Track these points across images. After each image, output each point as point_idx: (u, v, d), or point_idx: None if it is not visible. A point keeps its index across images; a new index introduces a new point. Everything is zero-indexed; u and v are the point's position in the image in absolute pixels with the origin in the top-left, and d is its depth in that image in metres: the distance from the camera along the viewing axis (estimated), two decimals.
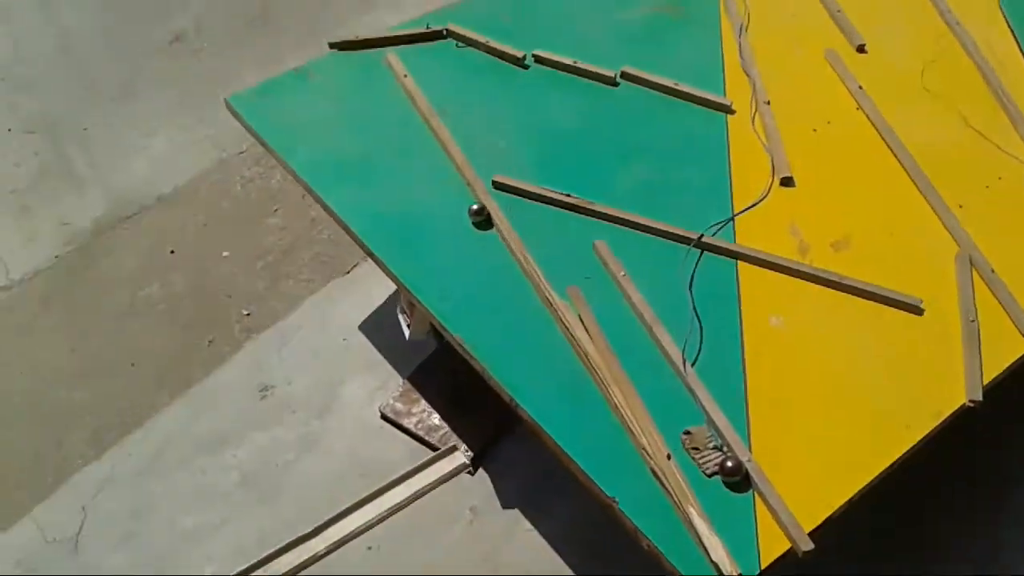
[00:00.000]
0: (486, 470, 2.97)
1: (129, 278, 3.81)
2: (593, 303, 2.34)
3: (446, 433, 3.02)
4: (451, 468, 2.92)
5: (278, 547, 2.79)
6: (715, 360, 2.24)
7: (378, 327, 3.32)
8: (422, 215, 2.57)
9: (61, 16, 5.05)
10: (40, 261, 3.89)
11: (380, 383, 3.21)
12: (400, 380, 3.17)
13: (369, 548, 2.85)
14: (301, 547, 2.78)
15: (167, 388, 3.37)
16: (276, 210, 3.99)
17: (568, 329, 2.26)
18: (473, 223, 2.51)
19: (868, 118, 2.86)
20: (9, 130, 4.46)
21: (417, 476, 2.90)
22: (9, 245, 3.95)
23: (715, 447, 2.04)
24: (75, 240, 3.98)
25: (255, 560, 2.77)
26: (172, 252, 3.89)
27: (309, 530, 2.81)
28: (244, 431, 3.17)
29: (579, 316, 2.28)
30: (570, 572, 2.73)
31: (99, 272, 3.86)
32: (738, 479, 1.98)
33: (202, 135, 4.40)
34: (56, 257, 3.90)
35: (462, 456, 2.94)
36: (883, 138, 2.80)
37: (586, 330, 2.25)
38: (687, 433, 2.07)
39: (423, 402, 3.10)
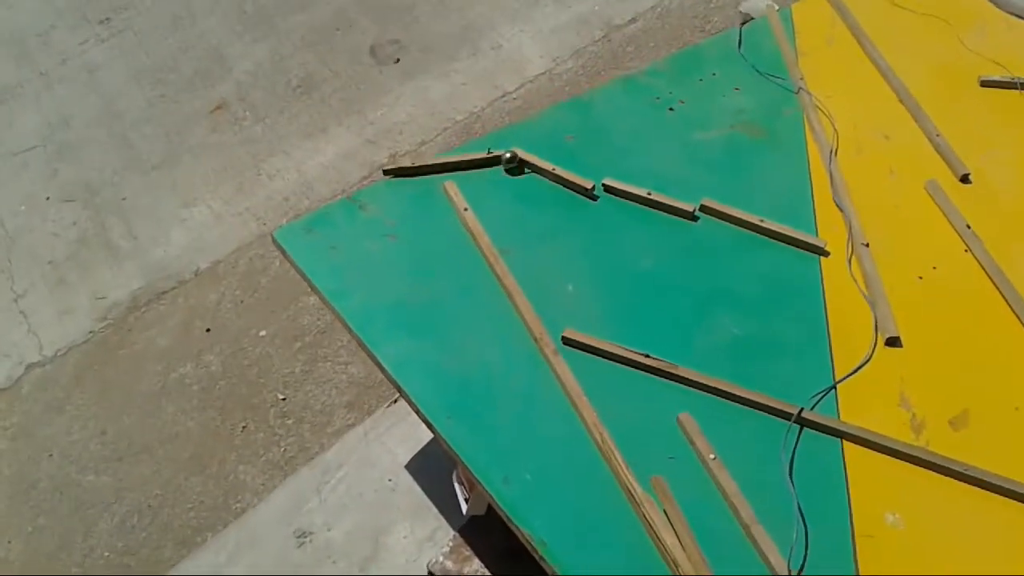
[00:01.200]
0: None
1: (163, 356, 3.74)
2: (680, 492, 2.04)
3: None
4: None
5: None
6: (825, 565, 1.93)
7: (427, 468, 3.06)
8: (484, 376, 2.30)
9: (104, 83, 5.08)
10: (74, 336, 3.84)
11: (429, 533, 2.94)
12: (451, 532, 2.89)
13: None
14: None
15: (198, 475, 3.26)
16: None
17: (653, 529, 1.96)
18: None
19: (979, 262, 2.56)
20: (48, 198, 4.44)
21: None
22: (43, 318, 3.93)
23: None
24: (110, 315, 3.93)
25: None
26: (208, 330, 3.82)
27: None
28: None
29: (665, 514, 1.99)
30: None
31: (133, 349, 3.79)
32: None
33: (242, 207, 4.39)
34: (90, 332, 3.85)
35: None
36: (997, 287, 2.50)
37: (675, 531, 1.95)
38: None
39: (476, 561, 2.81)
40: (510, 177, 2.77)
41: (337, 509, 3.04)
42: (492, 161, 2.83)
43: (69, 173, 4.58)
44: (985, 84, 3.16)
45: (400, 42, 5.36)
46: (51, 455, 3.39)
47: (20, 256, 4.18)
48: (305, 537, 2.99)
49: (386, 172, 2.78)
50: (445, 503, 2.96)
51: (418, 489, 3.04)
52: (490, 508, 2.80)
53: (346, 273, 2.52)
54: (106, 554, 3.06)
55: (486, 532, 2.86)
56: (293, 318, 3.81)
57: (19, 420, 3.55)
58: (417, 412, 2.25)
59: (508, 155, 2.64)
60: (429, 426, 2.22)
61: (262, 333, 3.78)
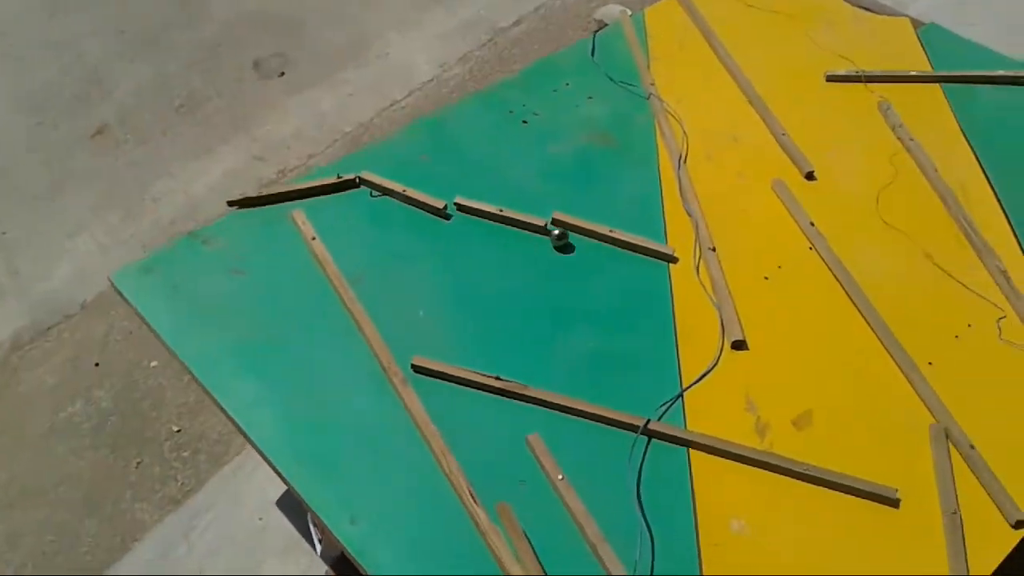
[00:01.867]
0: None
1: (51, 395, 3.63)
2: (528, 516, 2.03)
3: None
4: None
5: None
6: None
7: (297, 503, 2.99)
8: (333, 416, 2.25)
9: None
10: None
11: (302, 569, 2.89)
12: (324, 568, 2.83)
13: None
14: None
15: (93, 517, 3.16)
16: None
17: (498, 560, 1.95)
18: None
19: (823, 259, 2.61)
20: None
21: None
22: None
23: None
24: None
25: None
26: (97, 365, 3.71)
27: None
28: None
29: (510, 542, 1.98)
30: None
31: (20, 390, 3.67)
32: None
33: (128, 234, 4.27)
34: None
35: None
36: (840, 283, 2.56)
37: (519, 560, 1.94)
38: None
39: None
40: (372, 201, 2.73)
41: (207, 554, 2.95)
42: (343, 186, 2.78)
43: None
44: (831, 79, 3.24)
45: (285, 55, 5.27)
46: None
47: None
48: None
49: (231, 204, 2.71)
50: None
51: (288, 525, 2.97)
52: None
53: (188, 314, 2.44)
54: None
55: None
56: None
57: None
58: (264, 458, 2.20)
59: (557, 232, 2.60)
60: (276, 472, 2.17)
61: (153, 364, 3.69)
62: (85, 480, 3.29)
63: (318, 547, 2.61)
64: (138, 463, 3.34)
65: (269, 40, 5.30)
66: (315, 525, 2.63)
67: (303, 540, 2.92)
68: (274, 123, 4.85)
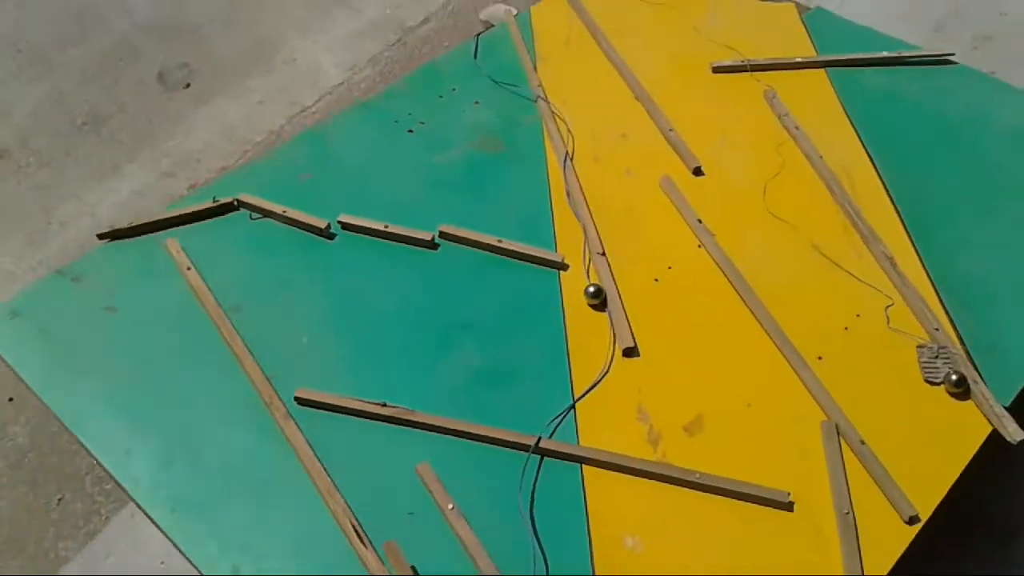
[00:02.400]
0: None
1: None
2: (418, 552, 1.97)
3: None
4: None
5: None
6: None
7: None
8: (213, 458, 2.16)
9: None
10: None
11: None
12: None
13: None
14: None
15: (17, 559, 3.02)
16: None
17: None
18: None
19: (711, 257, 2.60)
20: None
21: None
22: None
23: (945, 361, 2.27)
24: None
25: None
26: (11, 400, 3.51)
27: None
28: None
29: None
30: None
31: None
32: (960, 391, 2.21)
33: (35, 260, 4.08)
34: None
35: None
36: (729, 280, 2.54)
37: None
38: (921, 347, 2.32)
39: None
40: (251, 224, 2.63)
41: None
42: (220, 210, 2.68)
43: None
44: (717, 70, 3.23)
45: (190, 65, 5.06)
46: None
47: None
48: None
49: (101, 237, 2.59)
50: None
51: (191, 567, 2.87)
52: None
53: (58, 359, 2.33)
54: None
55: None
56: None
57: None
58: (139, 508, 2.10)
59: (592, 289, 2.45)
60: (153, 522, 2.07)
61: None
62: (5, 520, 3.13)
63: None
64: (59, 499, 3.20)
65: (171, 51, 5.10)
66: None
67: None
68: (182, 136, 4.68)
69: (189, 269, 2.49)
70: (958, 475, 2.11)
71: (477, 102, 3.07)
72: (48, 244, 4.15)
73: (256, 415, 2.21)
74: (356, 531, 1.97)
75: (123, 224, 2.60)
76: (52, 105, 4.80)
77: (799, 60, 3.24)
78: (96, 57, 5.07)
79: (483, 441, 2.17)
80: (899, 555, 1.98)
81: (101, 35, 5.20)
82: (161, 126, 4.70)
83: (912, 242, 2.62)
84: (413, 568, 1.93)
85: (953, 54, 3.27)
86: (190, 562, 2.00)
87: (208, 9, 5.31)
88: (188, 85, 4.96)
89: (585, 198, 2.73)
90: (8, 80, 4.97)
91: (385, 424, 2.21)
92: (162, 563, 2.88)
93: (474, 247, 2.61)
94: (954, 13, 3.79)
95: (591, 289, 2.42)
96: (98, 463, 2.14)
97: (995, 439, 2.19)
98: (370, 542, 1.97)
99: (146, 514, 2.05)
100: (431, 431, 2.19)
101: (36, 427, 3.40)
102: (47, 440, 3.35)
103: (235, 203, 2.68)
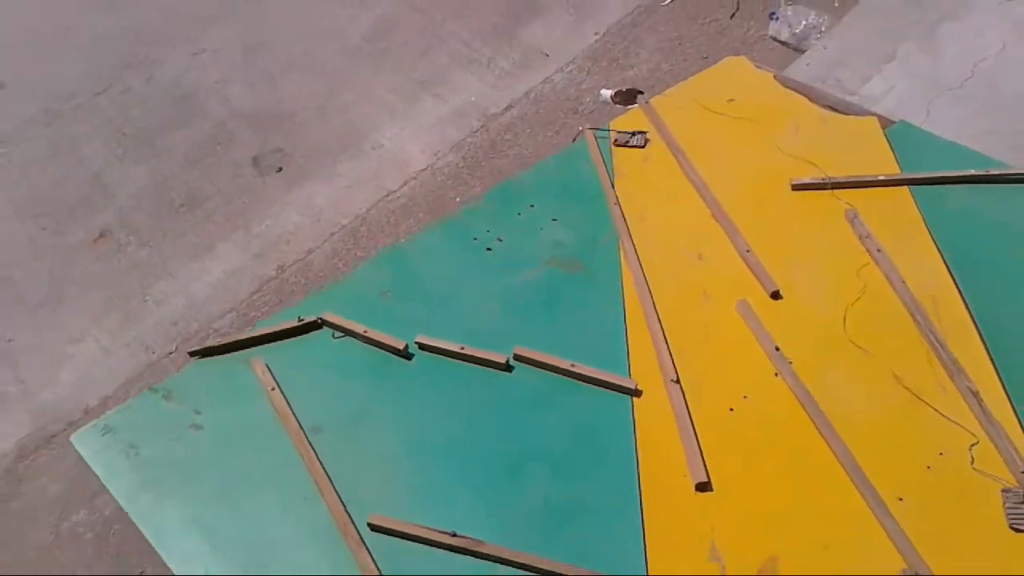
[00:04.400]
0: None
1: (56, 504, 3.69)
2: None
3: None
4: None
5: None
6: None
7: None
8: None
9: None
10: None
11: None
12: None
13: None
14: None
15: None
16: None
17: None
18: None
19: (789, 387, 2.56)
20: None
21: None
22: None
23: None
24: None
25: None
26: None
27: None
28: None
29: None
30: None
31: (24, 501, 3.73)
32: None
33: (131, 336, 4.33)
34: None
35: None
36: (807, 412, 2.50)
37: None
38: (1007, 491, 2.23)
39: None
40: (333, 343, 2.73)
41: None
42: (304, 328, 2.78)
43: None
44: (796, 187, 3.22)
45: (283, 150, 5.30)
46: None
47: None
48: None
49: (192, 354, 2.72)
50: None
51: None
52: None
53: (144, 475, 2.45)
54: None
55: None
56: None
57: None
58: None
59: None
60: None
61: None
62: None
63: None
64: (141, 573, 3.35)
65: (265, 136, 5.37)
66: None
67: None
68: (272, 219, 4.90)
69: (273, 390, 2.59)
70: None
71: (555, 219, 3.13)
72: (143, 321, 4.38)
73: (330, 540, 2.27)
74: None
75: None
76: (153, 187, 5.11)
77: (882, 178, 3.20)
78: (196, 141, 5.38)
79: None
80: None
81: (200, 121, 5.51)
82: (253, 208, 4.93)
83: (999, 376, 2.54)
84: None
85: None
86: None
87: (302, 97, 5.55)
88: (280, 169, 5.21)
89: (660, 322, 2.74)
90: (113, 163, 5.31)
91: (454, 554, 2.22)
92: None
93: (548, 370, 2.64)
94: None
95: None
96: None
97: None
98: None
99: None
100: (499, 563, 2.20)
101: None
102: None
103: (319, 322, 2.78)
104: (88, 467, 3.55)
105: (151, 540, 2.29)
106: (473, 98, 5.50)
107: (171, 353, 4.20)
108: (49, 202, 5.08)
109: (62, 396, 4.11)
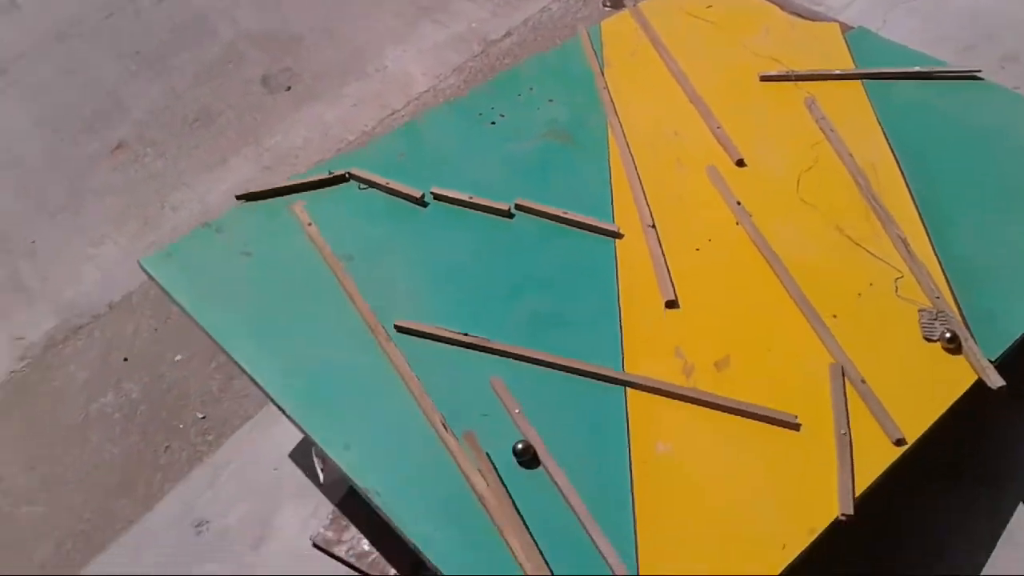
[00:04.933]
0: None
1: (84, 389, 3.94)
2: (490, 441, 2.47)
3: (376, 559, 3.11)
4: None
5: None
6: (606, 489, 2.38)
7: (307, 454, 3.41)
8: (327, 365, 2.69)
9: (5, 135, 5.22)
10: None
11: (312, 511, 3.30)
12: (330, 507, 3.26)
13: None
14: None
15: (126, 498, 3.50)
16: None
17: (465, 474, 2.39)
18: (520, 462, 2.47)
19: (747, 233, 3.04)
20: None
21: None
22: None
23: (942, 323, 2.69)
24: (28, 354, 4.10)
25: None
26: (125, 360, 4.02)
27: None
28: (185, 566, 3.24)
29: (475, 460, 2.41)
30: None
31: (54, 385, 3.98)
32: (953, 346, 2.61)
33: (149, 240, 4.57)
34: (11, 373, 4.03)
35: None
36: (761, 252, 2.98)
37: (481, 473, 2.38)
38: (923, 310, 2.73)
39: (353, 529, 3.19)
40: (359, 193, 3.17)
41: (230, 499, 3.36)
42: (334, 180, 3.23)
43: None
44: (764, 79, 3.68)
45: (291, 70, 5.53)
46: None
47: None
48: (202, 526, 3.33)
49: (239, 197, 3.16)
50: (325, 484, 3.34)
51: (300, 473, 3.38)
52: None
53: (205, 289, 2.89)
54: None
55: (361, 505, 3.23)
56: (208, 341, 3.90)
57: None
58: (272, 401, 2.64)
59: (521, 447, 2.46)
60: (283, 412, 2.61)
61: (178, 358, 3.98)
62: (117, 465, 3.60)
63: (321, 476, 3.04)
64: (167, 448, 3.66)
65: (274, 57, 5.62)
66: (318, 457, 3.06)
67: (313, 487, 3.34)
68: (283, 134, 5.19)
69: (310, 225, 3.04)
70: (944, 409, 2.52)
71: (551, 100, 3.57)
72: (161, 227, 4.66)
73: (363, 337, 2.74)
74: (442, 424, 2.48)
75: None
76: (167, 103, 5.37)
77: (838, 72, 3.66)
78: (207, 61, 5.64)
79: (544, 365, 2.66)
80: (884, 469, 2.40)
81: (210, 41, 5.77)
82: (264, 124, 5.22)
83: (925, 228, 3.02)
84: (487, 455, 2.42)
85: (980, 71, 3.66)
86: (310, 438, 2.52)
87: (309, 20, 5.83)
88: (289, 88, 5.48)
89: (640, 181, 3.21)
90: (127, 80, 5.54)
91: (466, 349, 2.71)
92: (275, 469, 3.42)
93: (544, 217, 3.10)
94: (986, 36, 4.17)
95: (519, 446, 2.46)
96: (239, 367, 2.68)
97: (983, 392, 2.58)
98: (452, 432, 2.47)
99: (278, 405, 2.58)
100: (503, 356, 2.68)
101: (148, 384, 3.90)
102: (158, 395, 3.86)
103: (347, 175, 3.23)
104: (113, 353, 3.98)
105: (215, 337, 2.75)
106: (473, 24, 5.78)
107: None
108: (66, 116, 5.31)
109: (86, 292, 4.35)
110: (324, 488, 3.31)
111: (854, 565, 2.87)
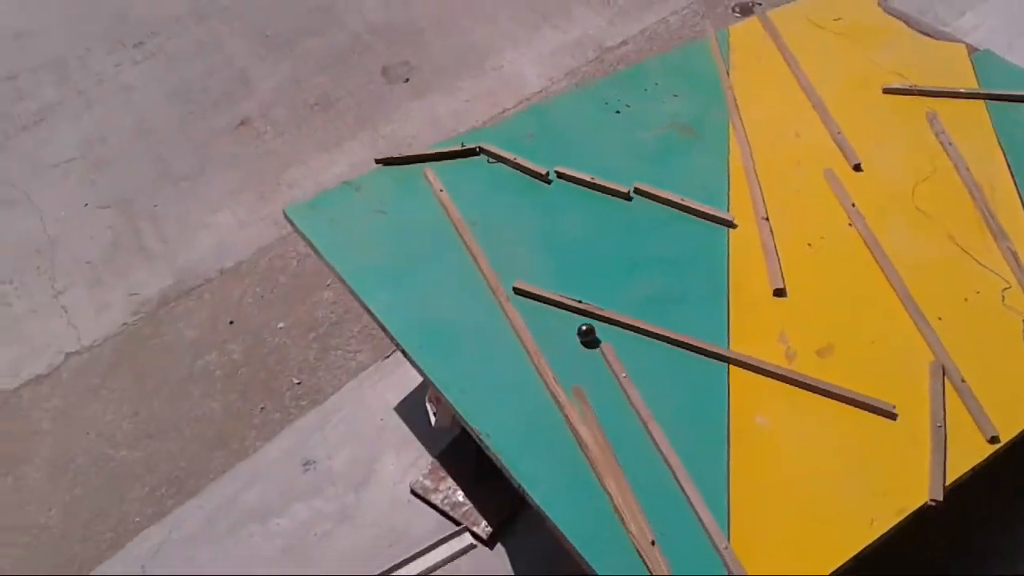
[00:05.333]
0: (503, 544, 3.24)
1: (191, 346, 4.19)
2: (596, 401, 2.64)
3: (469, 510, 3.31)
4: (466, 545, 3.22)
5: None
6: (703, 454, 2.52)
7: (412, 410, 3.64)
8: (450, 317, 2.91)
9: (139, 103, 5.52)
10: (109, 329, 4.29)
11: (412, 461, 3.52)
12: (430, 459, 3.48)
13: None
14: None
15: (221, 451, 3.72)
16: (329, 284, 4.32)
17: (572, 424, 2.56)
18: (582, 342, 2.78)
19: (860, 234, 3.14)
20: (86, 205, 4.86)
21: (438, 550, 3.19)
22: (81, 313, 4.35)
23: None
24: (142, 310, 4.38)
25: None
26: (231, 323, 4.27)
27: None
28: (288, 502, 3.50)
29: (582, 413, 2.58)
30: None
31: (163, 340, 4.24)
32: None
33: (264, 213, 4.79)
34: (124, 325, 4.30)
35: (479, 533, 3.24)
36: (872, 253, 3.08)
37: (587, 426, 2.55)
38: None
39: (449, 480, 3.40)
40: (488, 166, 3.38)
41: (337, 443, 3.62)
42: (466, 153, 3.45)
43: (105, 183, 4.96)
44: (887, 91, 3.76)
45: (410, 64, 5.74)
46: (88, 434, 3.81)
47: (60, 257, 4.59)
48: (310, 465, 3.58)
49: (378, 161, 3.41)
50: (426, 437, 3.54)
51: (404, 427, 3.62)
52: (459, 437, 3.41)
53: (343, 240, 3.14)
54: (136, 519, 3.50)
55: (458, 458, 3.45)
56: (309, 312, 4.23)
57: (59, 403, 3.97)
58: (397, 345, 2.86)
59: (584, 327, 2.79)
60: (405, 355, 2.83)
61: (280, 325, 4.22)
62: (216, 420, 3.83)
63: (432, 419, 3.26)
64: (262, 408, 3.89)
65: (396, 50, 5.83)
66: (431, 402, 3.27)
67: (415, 439, 3.57)
68: (397, 123, 5.40)
69: (441, 191, 3.26)
70: None
71: (676, 95, 3.73)
72: (276, 201, 4.82)
73: (484, 295, 2.95)
74: (553, 379, 2.66)
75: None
76: (290, 85, 5.60)
77: (963, 91, 3.72)
78: (331, 49, 5.84)
79: (653, 337, 2.81)
80: (977, 462, 2.47)
81: (337, 30, 5.97)
82: (380, 112, 5.39)
83: None
84: (593, 409, 2.59)
85: None
86: (429, 380, 2.73)
87: (432, 16, 6.01)
88: (407, 80, 5.64)
89: (757, 176, 3.34)
90: (255, 60, 5.79)
91: (579, 316, 2.88)
92: (381, 419, 3.66)
93: (661, 203, 3.26)
94: None
95: (583, 327, 2.77)
96: (368, 312, 2.91)
97: None
98: (562, 386, 2.65)
99: (402, 348, 2.80)
100: (613, 324, 2.85)
101: (250, 347, 4.13)
102: (259, 359, 4.08)
103: (478, 149, 3.45)
104: (220, 316, 4.22)
105: (351, 284, 2.98)
106: (591, 32, 5.89)
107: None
108: (196, 91, 5.59)
109: (201, 257, 4.58)
110: (426, 441, 3.53)
111: (936, 563, 2.94)
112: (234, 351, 4.14)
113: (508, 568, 3.18)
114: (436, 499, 3.37)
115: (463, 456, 3.38)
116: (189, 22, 6.12)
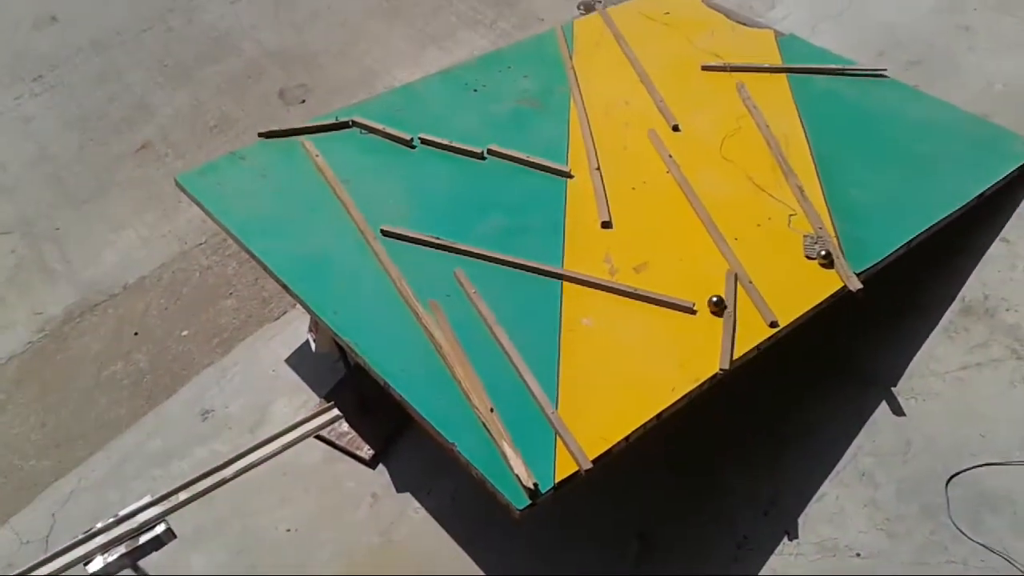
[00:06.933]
0: (385, 465, 3.67)
1: (96, 358, 4.31)
2: (450, 312, 3.12)
3: (353, 437, 3.74)
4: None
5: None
6: (538, 348, 3.02)
7: (301, 361, 4.05)
8: (324, 256, 3.37)
9: (38, 132, 5.59)
10: (14, 347, 4.39)
11: (302, 403, 3.92)
12: (317, 399, 3.89)
13: (288, 530, 3.52)
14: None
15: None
16: (231, 293, 4.55)
17: (428, 330, 3.04)
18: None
19: (675, 179, 3.72)
20: None
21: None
22: None
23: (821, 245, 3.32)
24: (47, 327, 4.46)
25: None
26: (136, 334, 4.42)
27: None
28: (189, 447, 3.85)
29: (437, 321, 3.07)
30: (450, 538, 3.42)
31: (69, 355, 4.35)
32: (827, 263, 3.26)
33: (166, 230, 4.91)
34: (29, 343, 4.39)
35: (363, 456, 3.66)
36: (684, 192, 3.66)
37: (441, 330, 3.03)
38: (806, 236, 3.41)
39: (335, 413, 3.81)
40: (361, 137, 3.86)
41: (233, 393, 3.99)
42: (340, 126, 3.93)
43: (7, 209, 5.06)
44: (705, 68, 4.39)
45: (306, 86, 5.87)
46: None
47: None
48: (207, 414, 3.94)
49: (260, 135, 3.86)
50: (314, 382, 3.94)
51: (294, 375, 4.00)
52: (343, 379, 3.84)
53: (229, 200, 3.57)
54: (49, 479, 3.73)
55: (343, 394, 3.86)
56: (212, 319, 4.36)
57: None
58: (277, 281, 3.30)
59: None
60: (285, 288, 3.27)
61: (184, 333, 4.36)
62: (123, 427, 3.96)
63: (313, 345, 3.67)
64: None
65: (292, 73, 5.97)
66: (311, 331, 3.69)
67: (304, 385, 3.96)
68: None
69: (317, 156, 3.73)
70: (812, 305, 3.17)
71: (526, 76, 4.29)
72: (177, 218, 4.97)
73: (354, 238, 3.41)
74: (412, 295, 3.14)
75: None
76: (190, 110, 5.70)
77: (767, 66, 4.38)
78: (229, 74, 5.97)
79: (499, 263, 3.32)
80: (759, 341, 3.04)
81: (234, 57, 6.11)
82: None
83: (819, 180, 3.70)
84: (447, 318, 3.08)
85: (886, 70, 4.38)
86: (306, 307, 3.17)
87: (325, 41, 6.20)
88: (303, 101, 5.78)
89: (592, 136, 3.90)
90: (155, 88, 5.90)
91: (437, 250, 3.37)
92: (273, 371, 4.05)
93: (510, 160, 3.79)
94: (896, 44, 4.90)
95: (714, 299, 3.16)
96: (253, 257, 3.35)
97: (854, 299, 3.23)
98: (420, 303, 3.13)
99: (281, 282, 3.25)
100: (466, 255, 3.35)
101: (156, 355, 4.29)
102: (164, 365, 4.24)
103: (350, 122, 3.93)
104: (125, 328, 4.37)
105: (236, 233, 3.41)
106: (475, 52, 5.88)
107: (200, 244, 4.78)
108: (96, 118, 5.67)
109: (104, 273, 4.69)
110: (314, 385, 3.93)
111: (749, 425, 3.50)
112: (140, 360, 4.29)
113: (389, 484, 3.60)
114: (323, 431, 3.77)
115: (347, 393, 3.81)
116: (90, 54, 6.22)
